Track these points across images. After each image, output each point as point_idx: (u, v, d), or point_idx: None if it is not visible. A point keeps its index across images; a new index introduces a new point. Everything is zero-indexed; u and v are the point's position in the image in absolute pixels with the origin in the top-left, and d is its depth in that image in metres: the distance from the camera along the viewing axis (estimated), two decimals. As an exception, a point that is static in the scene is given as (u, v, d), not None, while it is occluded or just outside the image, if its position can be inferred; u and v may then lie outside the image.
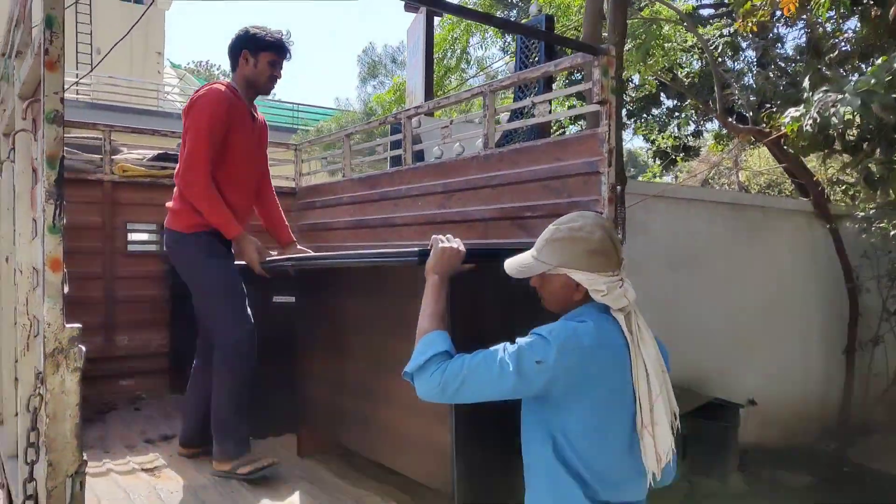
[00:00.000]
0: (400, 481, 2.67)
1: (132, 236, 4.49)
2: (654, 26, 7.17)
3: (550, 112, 3.65)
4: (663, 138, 10.73)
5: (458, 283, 1.92)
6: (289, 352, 3.18)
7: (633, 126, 11.03)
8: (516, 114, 3.92)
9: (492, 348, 1.58)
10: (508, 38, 9.98)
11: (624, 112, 11.35)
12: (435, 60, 9.49)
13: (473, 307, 2.17)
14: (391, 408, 2.53)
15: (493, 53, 13.32)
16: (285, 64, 2.99)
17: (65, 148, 4.53)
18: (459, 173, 3.35)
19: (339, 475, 2.83)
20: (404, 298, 2.28)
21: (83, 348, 1.60)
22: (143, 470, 2.88)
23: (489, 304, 2.28)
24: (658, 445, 1.54)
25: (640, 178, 15.12)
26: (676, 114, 10.48)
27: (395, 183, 3.85)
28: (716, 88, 6.42)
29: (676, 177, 12.81)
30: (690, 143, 10.89)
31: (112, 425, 3.58)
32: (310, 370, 3.12)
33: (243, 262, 2.97)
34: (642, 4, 7.61)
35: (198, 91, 2.91)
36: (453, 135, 3.86)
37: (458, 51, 9.08)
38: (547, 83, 4.02)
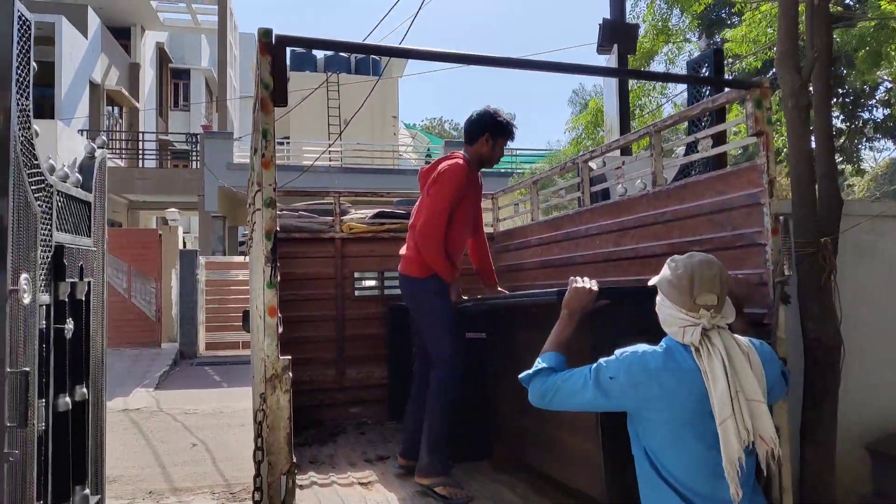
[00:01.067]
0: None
1: (358, 283, 5.25)
2: (884, 29, 6.40)
3: (718, 145, 3.59)
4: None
5: (597, 315, 2.23)
6: (482, 383, 3.61)
7: (877, 135, 9.73)
8: (692, 148, 3.90)
9: (584, 367, 1.85)
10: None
11: (871, 120, 10.09)
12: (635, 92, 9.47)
13: (609, 335, 2.37)
14: (558, 427, 2.83)
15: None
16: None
17: (304, 212, 5.46)
18: (631, 211, 3.46)
19: (522, 497, 3.06)
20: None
21: (290, 375, 2.09)
22: (359, 483, 3.41)
23: (624, 332, 2.43)
24: (725, 459, 1.65)
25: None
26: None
27: (575, 223, 4.06)
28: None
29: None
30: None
31: (340, 446, 4.22)
32: (499, 397, 3.50)
33: None
34: (862, 10, 6.85)
35: (443, 160, 3.47)
36: (636, 171, 3.97)
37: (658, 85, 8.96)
38: (719, 115, 3.92)
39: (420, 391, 3.49)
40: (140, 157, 20.72)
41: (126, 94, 21.04)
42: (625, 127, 6.41)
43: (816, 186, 3.90)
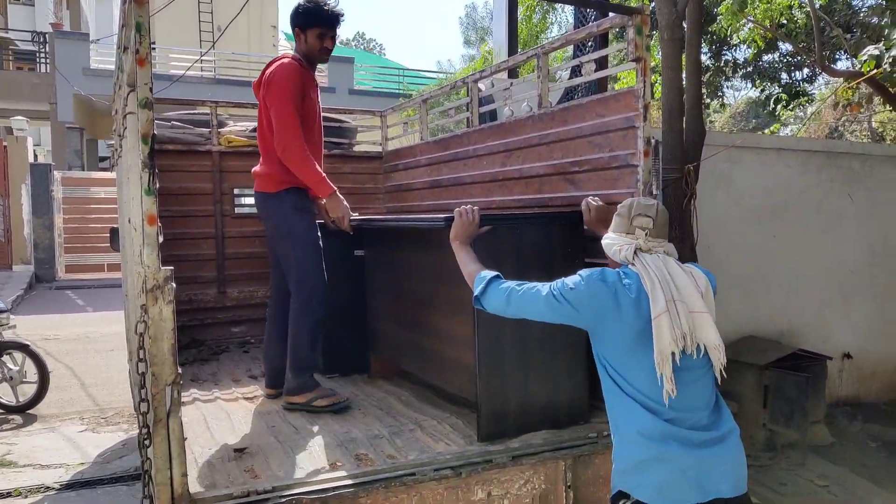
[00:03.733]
0: (454, 410, 3.02)
1: (238, 200, 5.06)
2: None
3: (602, 69, 3.73)
4: (771, 84, 10.15)
5: (478, 242, 2.40)
6: (360, 299, 3.68)
7: (739, 75, 10.48)
8: (576, 71, 4.02)
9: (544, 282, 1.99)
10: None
11: (732, 61, 10.80)
12: (524, 18, 9.51)
13: (492, 261, 2.52)
14: (437, 339, 3.01)
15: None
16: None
17: (177, 122, 5.14)
18: (518, 133, 3.55)
19: (406, 403, 3.21)
20: (441, 252, 2.68)
21: (174, 285, 2.02)
22: (244, 398, 3.40)
23: (505, 258, 2.60)
24: (656, 351, 1.79)
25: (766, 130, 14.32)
26: (788, 59, 9.86)
27: (463, 144, 4.10)
28: (815, 32, 6.05)
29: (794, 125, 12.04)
30: (800, 89, 10.22)
31: (224, 364, 4.17)
32: (376, 310, 3.63)
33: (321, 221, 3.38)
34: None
35: (268, 66, 3.21)
36: (524, 94, 4.04)
37: (543, 9, 9.03)
38: (602, 40, 4.07)
39: (275, 318, 3.38)
40: (-25, 56, 18.24)
41: (-47, -20, 18.22)
42: (513, 50, 6.46)
43: (684, 117, 4.18)
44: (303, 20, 3.13)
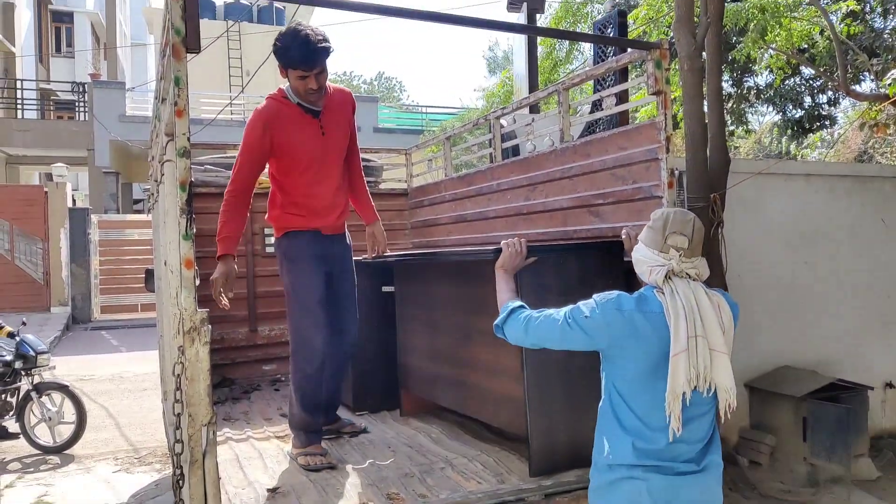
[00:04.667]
0: (485, 447, 3.01)
1: (268, 240, 5.16)
2: (770, 4, 6.85)
3: (622, 102, 3.77)
4: (794, 108, 10.09)
5: (525, 273, 2.40)
6: (391, 335, 3.71)
7: (763, 100, 10.44)
8: (597, 105, 4.07)
9: (560, 308, 1.95)
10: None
11: (755, 87, 10.77)
12: (545, 54, 9.65)
13: (537, 291, 2.50)
14: (474, 371, 3.01)
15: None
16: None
17: (210, 167, 5.29)
18: (541, 167, 3.59)
19: (436, 441, 3.20)
20: (482, 284, 2.73)
21: (210, 327, 2.07)
22: (276, 437, 3.42)
23: (550, 287, 2.57)
24: (669, 389, 1.75)
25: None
26: (810, 82, 9.81)
27: (487, 179, 4.16)
28: (837, 56, 6.04)
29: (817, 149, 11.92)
30: (824, 113, 10.13)
31: (255, 403, 4.21)
32: (408, 345, 3.64)
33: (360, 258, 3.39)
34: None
35: None
36: (546, 129, 4.09)
37: (567, 42, 9.16)
38: (622, 74, 4.12)
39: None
40: (19, 106, 19.01)
41: (-1, 36, 19.14)
42: (533, 85, 6.55)
43: (708, 146, 4.18)
44: (280, 60, 2.84)
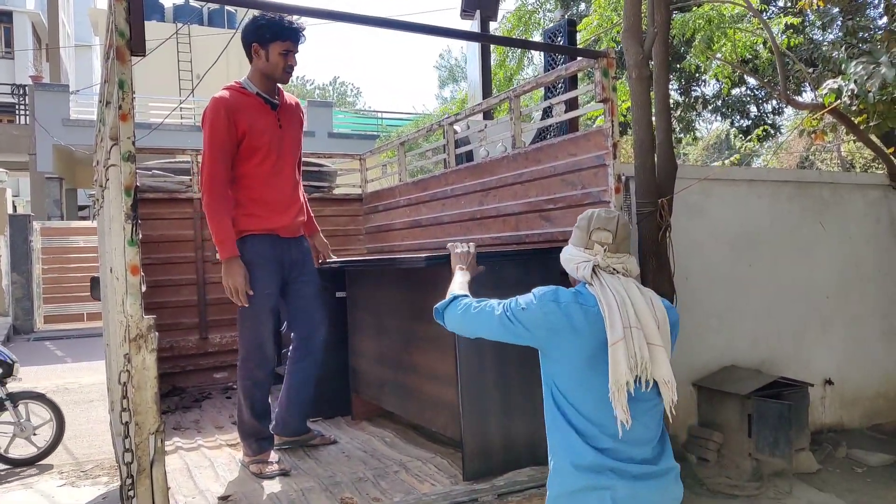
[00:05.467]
0: (439, 449, 3.02)
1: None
2: (716, 16, 7.11)
3: (572, 109, 3.86)
4: (740, 118, 10.48)
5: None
6: (342, 340, 3.70)
7: (710, 109, 10.81)
8: (547, 112, 4.15)
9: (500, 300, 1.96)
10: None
11: (702, 96, 11.14)
12: (497, 62, 9.77)
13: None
14: (418, 376, 3.02)
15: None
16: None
17: (158, 171, 5.19)
18: (494, 172, 3.64)
19: (391, 444, 3.20)
20: (422, 290, 2.78)
21: (157, 334, 2.04)
22: (228, 445, 3.37)
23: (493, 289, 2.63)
24: (611, 380, 1.75)
25: (733, 158, 14.66)
26: (755, 92, 10.21)
27: (441, 184, 4.19)
28: (778, 67, 6.30)
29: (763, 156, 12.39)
30: (769, 122, 10.55)
31: (206, 411, 4.13)
32: (358, 350, 3.65)
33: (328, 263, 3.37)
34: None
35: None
36: (499, 135, 4.14)
37: (518, 52, 9.32)
38: (572, 81, 4.21)
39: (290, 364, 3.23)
40: (-47, 109, 18.23)
41: (-68, 35, 18.31)
42: (487, 92, 6.62)
43: (656, 152, 4.31)
44: (263, 34, 2.87)
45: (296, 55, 2.95)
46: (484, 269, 2.44)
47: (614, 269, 1.86)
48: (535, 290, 1.90)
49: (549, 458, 1.91)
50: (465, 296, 2.07)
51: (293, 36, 2.89)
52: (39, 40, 25.98)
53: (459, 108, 11.10)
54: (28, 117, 17.04)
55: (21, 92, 18.44)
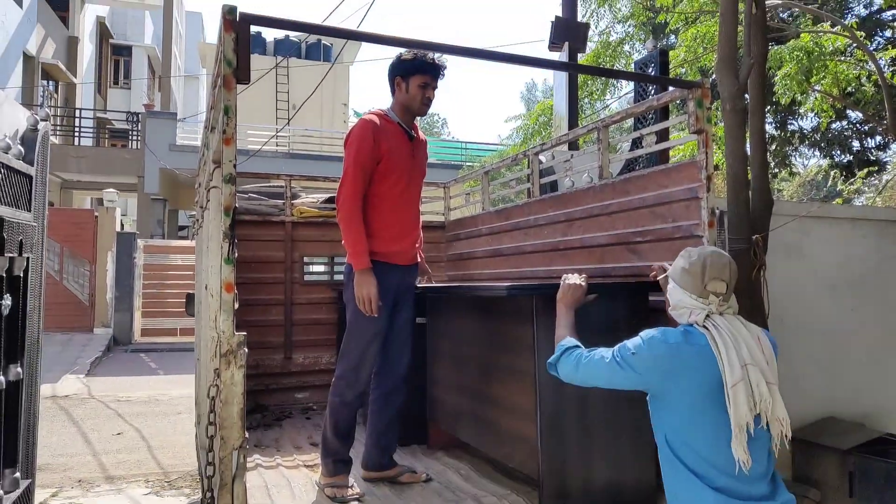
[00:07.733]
0: (515, 486, 2.95)
1: (307, 268, 5.23)
2: (816, 47, 6.79)
3: (663, 140, 3.76)
4: (841, 153, 9.91)
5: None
6: (420, 367, 3.70)
7: (807, 143, 10.30)
8: (637, 143, 4.07)
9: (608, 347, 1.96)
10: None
11: (799, 130, 10.63)
12: (581, 82, 9.71)
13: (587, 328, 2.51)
14: (495, 408, 2.97)
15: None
16: (441, 84, 3.10)
17: (253, 195, 5.42)
18: (578, 203, 3.59)
19: (465, 478, 3.15)
20: (503, 320, 2.73)
21: (247, 350, 2.10)
22: (305, 466, 3.42)
23: (600, 325, 2.56)
24: (733, 422, 1.74)
25: (836, 201, 13.87)
26: (858, 126, 9.64)
27: (524, 214, 4.16)
28: (885, 99, 5.93)
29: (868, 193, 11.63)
30: (872, 158, 9.91)
31: (286, 430, 4.22)
32: (436, 378, 3.62)
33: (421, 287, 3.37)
34: (800, 25, 7.25)
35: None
36: (585, 165, 4.10)
37: (602, 81, 9.22)
38: (663, 112, 4.11)
39: (373, 400, 3.25)
40: (76, 134, 19.86)
41: (62, 68, 20.09)
42: (573, 122, 6.58)
43: (750, 187, 4.12)
44: (406, 67, 3.04)
45: (435, 90, 3.09)
46: (596, 297, 2.39)
47: (723, 312, 1.88)
48: (642, 334, 1.91)
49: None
50: (576, 346, 2.07)
51: (432, 71, 3.04)
52: (153, 72, 28.08)
53: (534, 121, 11.09)
54: (139, 142, 18.35)
55: (135, 119, 19.92)
